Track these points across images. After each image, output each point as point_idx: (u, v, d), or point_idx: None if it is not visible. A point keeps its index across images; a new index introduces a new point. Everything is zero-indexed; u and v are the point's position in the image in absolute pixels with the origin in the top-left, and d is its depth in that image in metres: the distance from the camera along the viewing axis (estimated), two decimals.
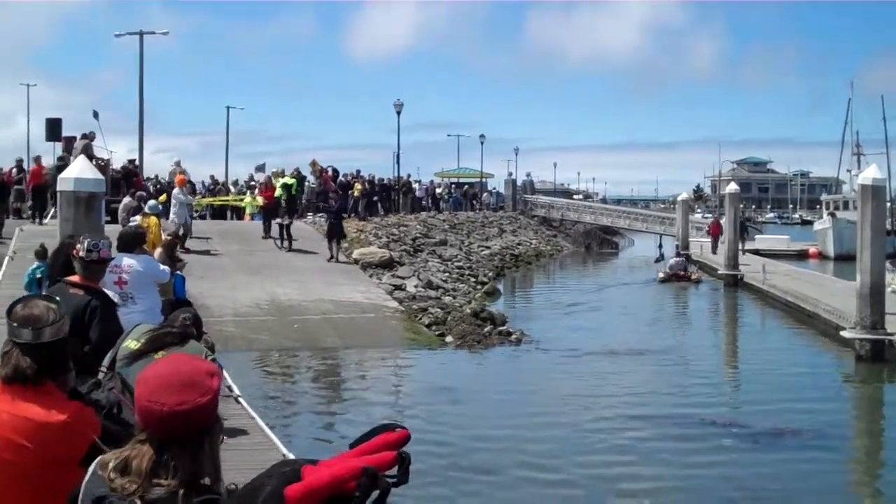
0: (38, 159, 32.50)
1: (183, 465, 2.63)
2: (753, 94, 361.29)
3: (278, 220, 30.98)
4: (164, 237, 15.16)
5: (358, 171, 45.93)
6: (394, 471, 2.44)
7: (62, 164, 31.29)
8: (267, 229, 31.84)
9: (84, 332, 7.20)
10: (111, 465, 2.69)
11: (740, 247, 44.75)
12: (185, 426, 2.63)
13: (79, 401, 3.78)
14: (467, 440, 14.43)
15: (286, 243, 30.37)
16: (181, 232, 25.22)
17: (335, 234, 29.73)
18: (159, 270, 10.35)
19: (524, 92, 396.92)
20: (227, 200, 42.73)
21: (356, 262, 29.60)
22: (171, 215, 26.85)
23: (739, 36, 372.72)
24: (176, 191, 28.41)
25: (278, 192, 38.88)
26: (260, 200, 33.59)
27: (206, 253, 27.50)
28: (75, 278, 7.52)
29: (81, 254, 7.33)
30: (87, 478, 2.76)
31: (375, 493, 2.40)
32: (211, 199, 42.77)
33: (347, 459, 2.48)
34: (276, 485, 2.44)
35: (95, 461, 2.79)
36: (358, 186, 42.26)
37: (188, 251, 25.23)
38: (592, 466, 13.17)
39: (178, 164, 40.29)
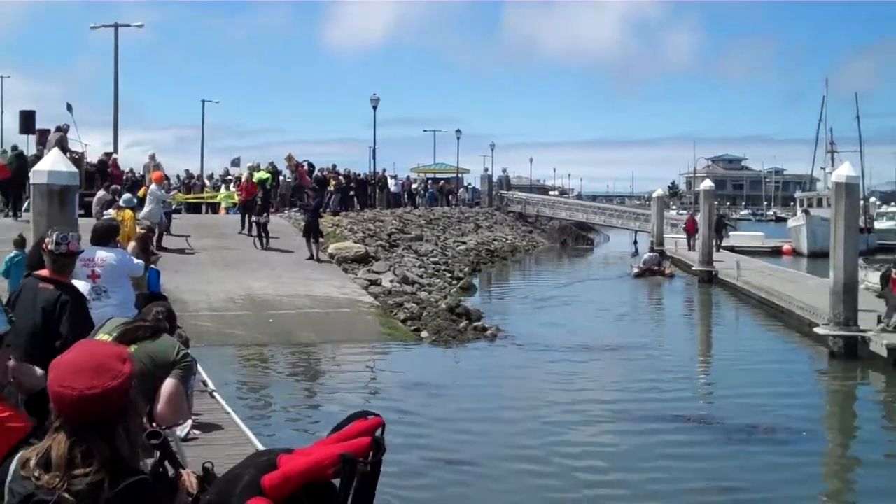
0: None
1: (100, 450, 2.63)
2: (729, 91, 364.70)
3: (255, 217, 30.59)
4: (137, 230, 15.04)
5: (334, 166, 45.79)
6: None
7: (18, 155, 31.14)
8: (244, 224, 31.61)
9: (55, 327, 7.17)
10: (33, 461, 2.67)
11: (717, 243, 45.09)
12: (96, 410, 2.63)
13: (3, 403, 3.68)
14: (442, 434, 14.43)
15: (263, 241, 29.98)
16: (156, 230, 25.17)
17: (312, 231, 29.35)
18: (133, 264, 10.31)
19: (501, 87, 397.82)
20: (203, 198, 42.45)
21: (332, 257, 29.55)
22: (145, 211, 25.58)
23: (716, 32, 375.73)
24: (153, 187, 27.68)
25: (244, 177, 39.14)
26: (236, 197, 33.44)
27: (183, 252, 27.30)
28: (45, 272, 7.47)
29: (50, 247, 7.29)
30: (9, 478, 2.72)
31: (356, 481, 2.40)
32: (186, 197, 42.46)
33: (324, 447, 2.48)
34: (253, 474, 2.44)
35: (15, 458, 2.76)
36: (332, 181, 42.14)
37: (165, 249, 25.19)
38: (566, 461, 13.17)
39: (152, 157, 40.01)
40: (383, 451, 2.46)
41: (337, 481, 2.46)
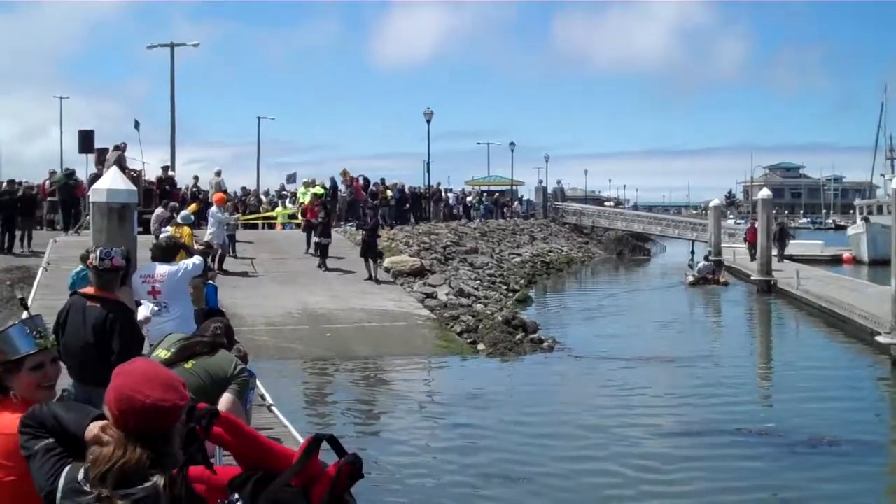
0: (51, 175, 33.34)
1: (159, 457, 2.71)
2: (784, 98, 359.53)
3: (317, 238, 30.09)
4: (196, 247, 15.19)
5: (382, 180, 45.87)
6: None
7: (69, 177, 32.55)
8: (309, 244, 31.27)
9: (107, 345, 7.25)
10: (81, 475, 2.73)
11: (780, 253, 44.61)
12: (158, 423, 2.71)
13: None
14: (498, 448, 14.35)
15: (322, 262, 29.18)
16: (219, 252, 25.27)
17: (370, 251, 28.44)
18: (192, 266, 10.36)
19: (553, 98, 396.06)
20: (258, 218, 42.19)
21: (387, 270, 29.55)
22: (207, 235, 25.19)
23: (767, 38, 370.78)
24: (214, 209, 27.01)
25: (309, 200, 39.18)
26: (300, 218, 33.31)
27: (246, 275, 26.97)
28: (90, 290, 7.54)
29: (94, 263, 7.36)
30: (59, 495, 2.77)
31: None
32: (245, 218, 42.22)
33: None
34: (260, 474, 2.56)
35: (63, 474, 2.79)
36: (381, 195, 42.24)
37: (226, 273, 25.33)
38: (625, 475, 13.05)
39: (218, 173, 40.29)
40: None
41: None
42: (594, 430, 15.53)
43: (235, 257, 28.36)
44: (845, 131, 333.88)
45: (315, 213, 30.78)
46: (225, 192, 36.45)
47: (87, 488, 2.68)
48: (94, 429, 2.83)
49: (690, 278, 41.51)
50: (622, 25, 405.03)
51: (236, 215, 29.06)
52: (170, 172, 37.25)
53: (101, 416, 2.81)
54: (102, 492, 2.66)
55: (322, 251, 29.43)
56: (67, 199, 32.72)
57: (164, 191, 32.78)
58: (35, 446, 2.95)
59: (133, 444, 2.69)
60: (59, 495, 2.76)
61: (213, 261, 23.17)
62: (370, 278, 27.81)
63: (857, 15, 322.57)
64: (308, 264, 29.07)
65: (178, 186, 36.03)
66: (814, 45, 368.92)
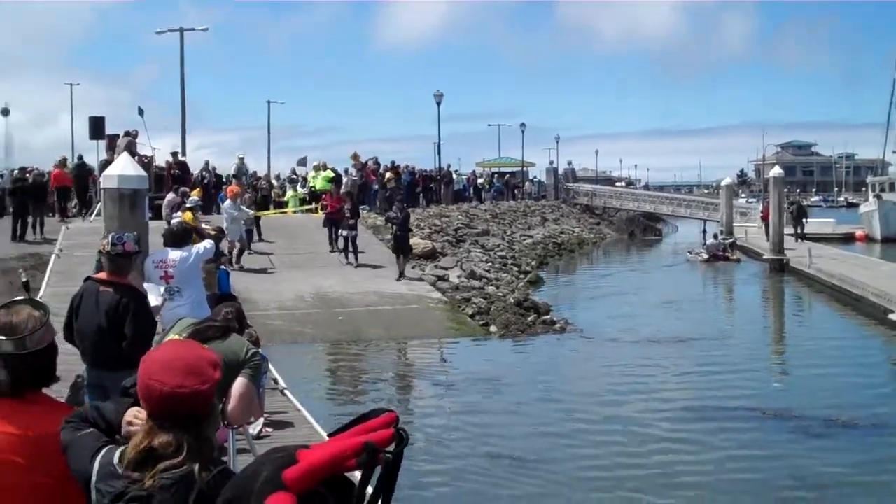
0: (61, 163, 33.38)
1: (189, 443, 2.70)
2: (793, 75, 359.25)
3: (343, 231, 27.93)
4: (208, 231, 15.20)
5: (393, 163, 45.70)
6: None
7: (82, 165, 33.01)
8: (332, 240, 29.15)
9: (119, 329, 7.29)
10: (116, 458, 2.74)
11: (798, 231, 44.52)
12: (181, 409, 2.70)
13: (73, 405, 3.67)
14: (512, 430, 14.39)
15: (352, 257, 27.55)
16: (238, 248, 24.95)
17: (401, 247, 26.81)
18: (204, 250, 10.38)
19: (563, 79, 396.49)
20: (271, 213, 40.75)
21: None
22: (224, 229, 24.29)
23: (773, 13, 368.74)
24: (227, 203, 26.06)
25: (321, 184, 38.89)
26: (321, 212, 31.45)
27: (264, 271, 25.86)
28: (103, 275, 7.57)
29: (107, 248, 7.39)
30: (94, 478, 2.78)
31: (379, 471, 2.40)
32: (259, 213, 40.40)
33: (345, 439, 2.47)
34: (271, 469, 2.44)
35: (97, 459, 2.81)
36: (389, 175, 41.90)
37: (243, 269, 24.90)
38: (641, 457, 13.06)
39: (241, 159, 40.00)
40: (406, 443, 2.46)
41: (355, 479, 2.46)
42: (606, 412, 15.54)
43: (251, 252, 27.03)
44: (857, 107, 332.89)
45: (336, 206, 28.97)
46: (241, 182, 36.37)
47: (120, 471, 2.71)
48: (128, 415, 2.86)
49: (704, 256, 42.35)
50: (627, 3, 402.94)
51: (251, 211, 27.59)
52: (181, 157, 37.16)
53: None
54: (133, 475, 2.68)
55: (350, 244, 27.66)
56: (81, 184, 33.20)
57: (174, 176, 32.77)
58: (73, 436, 2.98)
59: (160, 429, 2.70)
60: (94, 478, 2.78)
61: (228, 253, 23.09)
62: (400, 276, 26.26)
63: None
64: (320, 248, 28.92)
65: (191, 172, 35.94)
66: (821, 19, 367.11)
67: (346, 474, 2.44)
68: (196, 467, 2.66)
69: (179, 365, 2.73)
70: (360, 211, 31.15)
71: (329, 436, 2.56)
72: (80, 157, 36.34)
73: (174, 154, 36.26)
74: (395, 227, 27.22)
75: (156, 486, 2.65)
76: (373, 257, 28.19)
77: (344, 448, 2.41)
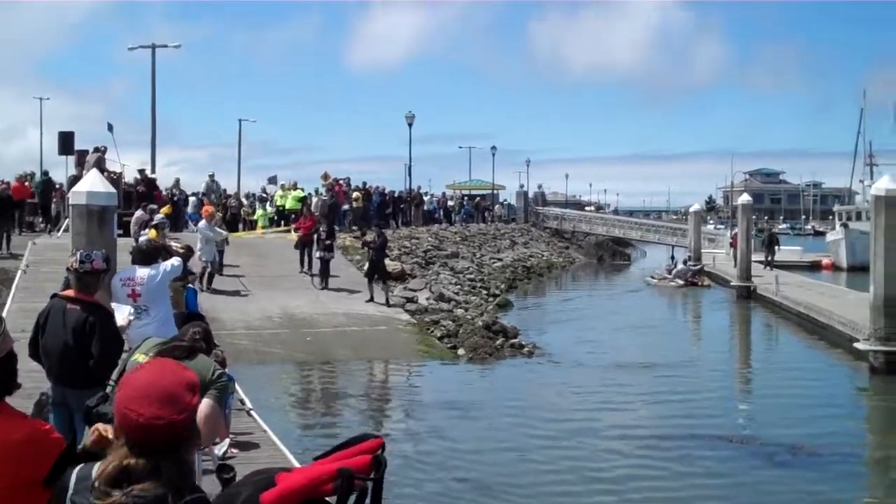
0: (23, 177, 33.51)
1: (167, 469, 2.67)
2: (762, 103, 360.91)
3: (319, 254, 27.38)
4: (175, 248, 15.11)
5: (364, 183, 45.79)
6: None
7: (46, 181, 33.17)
8: (303, 263, 28.77)
9: (86, 347, 7.24)
10: (94, 473, 2.71)
11: (769, 259, 44.79)
12: (159, 438, 2.66)
13: (37, 418, 3.67)
14: (475, 455, 14.35)
15: (324, 281, 27.10)
16: (209, 270, 24.70)
17: (378, 272, 26.45)
18: (171, 268, 10.29)
19: (534, 102, 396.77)
20: (247, 234, 39.95)
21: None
22: (198, 251, 22.60)
23: (742, 41, 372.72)
24: (202, 224, 25.62)
25: (291, 204, 38.83)
26: (294, 234, 30.30)
27: (237, 294, 25.36)
28: (70, 292, 7.52)
29: (75, 265, 7.34)
30: (70, 491, 2.76)
31: (354, 496, 2.40)
32: (233, 235, 39.57)
33: (323, 464, 2.48)
34: (250, 492, 2.44)
35: (74, 472, 2.80)
36: (356, 195, 41.96)
37: (215, 291, 24.72)
38: (602, 484, 13.07)
39: (212, 177, 39.94)
40: (383, 469, 2.46)
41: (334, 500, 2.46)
42: (572, 437, 15.52)
43: (222, 274, 26.45)
44: (824, 137, 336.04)
45: (308, 227, 28.76)
46: (213, 202, 36.23)
47: (97, 484, 2.68)
48: (94, 432, 2.82)
49: (656, 281, 44.01)
50: (594, 28, 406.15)
51: (225, 232, 27.31)
52: (149, 174, 36.93)
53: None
54: (109, 490, 2.65)
55: (323, 268, 27.25)
56: (45, 201, 33.33)
57: (141, 193, 32.57)
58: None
59: (136, 454, 2.67)
60: (70, 490, 2.76)
61: (200, 279, 22.96)
62: (371, 300, 25.88)
63: (833, 17, 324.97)
64: (289, 268, 28.81)
65: (159, 188, 35.76)
66: (790, 47, 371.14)
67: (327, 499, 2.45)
68: (170, 494, 2.63)
69: (156, 393, 2.68)
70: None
71: (314, 459, 2.57)
72: (46, 173, 36.26)
73: (141, 171, 35.89)
74: (371, 251, 26.80)
75: (127, 502, 2.62)
76: (343, 278, 28.11)
77: (320, 473, 2.42)
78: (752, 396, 20.51)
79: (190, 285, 13.82)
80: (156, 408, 2.65)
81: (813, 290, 34.92)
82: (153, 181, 35.65)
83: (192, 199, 38.67)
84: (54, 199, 36.08)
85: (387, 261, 29.76)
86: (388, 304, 25.97)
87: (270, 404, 16.18)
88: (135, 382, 2.76)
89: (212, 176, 39.75)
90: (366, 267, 28.29)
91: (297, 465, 9.40)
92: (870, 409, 19.24)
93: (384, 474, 2.44)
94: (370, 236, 27.90)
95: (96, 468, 2.74)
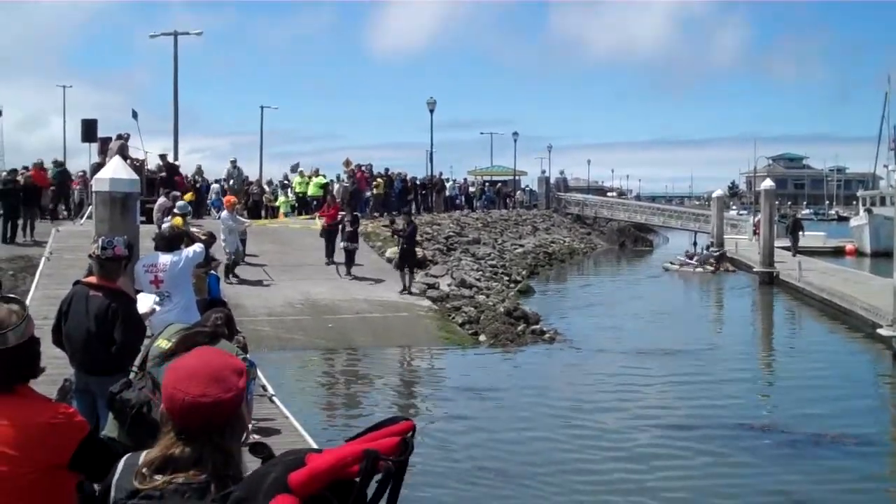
0: (37, 165, 33.61)
1: (211, 455, 2.69)
2: (784, 88, 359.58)
3: (343, 243, 27.14)
4: (198, 235, 15.15)
5: (387, 170, 45.79)
6: None
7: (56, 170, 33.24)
8: (330, 253, 28.16)
9: (109, 334, 7.27)
10: (142, 460, 2.74)
11: (794, 245, 44.57)
12: (204, 418, 2.68)
13: (61, 402, 3.73)
14: (496, 441, 14.38)
15: (349, 270, 26.93)
16: (233, 259, 24.56)
17: (407, 261, 26.19)
18: (194, 254, 10.31)
19: (556, 88, 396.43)
20: (269, 221, 38.24)
21: (389, 261, 29.36)
22: (221, 242, 22.51)
23: (765, 27, 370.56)
24: (224, 214, 25.27)
25: (313, 191, 38.85)
26: (319, 222, 29.66)
27: (260, 283, 25.13)
28: (93, 279, 7.55)
29: (97, 252, 7.36)
30: (116, 476, 2.79)
31: (380, 477, 2.43)
32: (254, 222, 38.96)
33: (352, 445, 2.51)
34: (280, 471, 2.47)
35: (123, 459, 2.83)
36: (377, 181, 41.99)
37: (240, 280, 24.68)
38: (625, 472, 13.06)
39: (233, 163, 39.62)
40: (410, 451, 2.49)
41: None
42: (593, 424, 15.51)
43: (245, 262, 26.18)
44: (847, 121, 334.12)
45: (333, 216, 28.43)
46: (234, 189, 36.27)
47: (143, 471, 2.71)
48: None
49: (673, 266, 44.24)
50: (616, 14, 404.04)
51: (248, 221, 26.98)
52: (171, 160, 36.94)
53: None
54: (152, 476, 2.68)
55: (348, 257, 27.02)
56: (62, 189, 33.73)
57: (163, 179, 32.66)
58: None
59: (182, 440, 2.69)
60: (116, 475, 2.79)
61: (226, 272, 23.02)
62: (405, 290, 25.68)
63: (855, 4, 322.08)
64: (311, 255, 28.78)
65: (181, 174, 35.77)
66: (812, 34, 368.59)
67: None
68: (214, 482, 2.67)
69: (204, 372, 2.70)
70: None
71: (346, 441, 2.59)
72: (61, 164, 36.48)
73: (163, 156, 35.73)
74: (402, 239, 26.46)
75: (169, 488, 2.66)
76: (366, 266, 28.09)
77: (346, 454, 2.44)
78: (774, 383, 20.43)
79: (213, 272, 13.87)
80: (203, 386, 2.67)
81: (836, 276, 34.75)
82: (175, 167, 35.61)
83: (214, 187, 38.68)
84: (77, 187, 36.27)
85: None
86: (410, 291, 25.77)
87: (292, 390, 16.26)
88: (183, 364, 2.78)
89: (234, 162, 39.56)
90: (387, 252, 28.34)
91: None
92: (893, 396, 19.15)
93: (409, 457, 2.47)
94: (400, 224, 27.59)
95: (143, 455, 2.77)
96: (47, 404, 3.56)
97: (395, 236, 27.78)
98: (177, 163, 38.17)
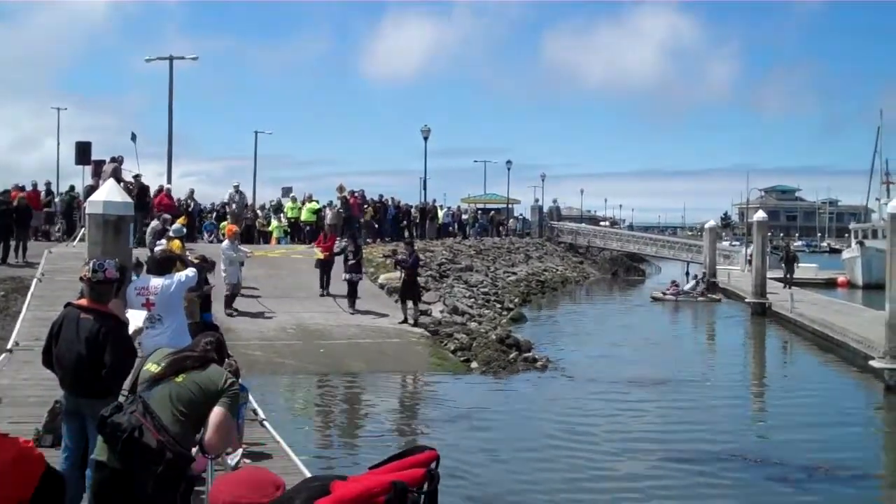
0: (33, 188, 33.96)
1: None
2: (776, 120, 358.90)
3: (347, 275, 26.00)
4: (192, 259, 15.12)
5: (381, 196, 45.86)
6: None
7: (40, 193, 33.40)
8: (324, 284, 27.37)
9: (99, 357, 7.24)
10: None
11: (788, 277, 44.58)
12: None
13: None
14: (487, 469, 14.31)
15: (351, 304, 26.01)
16: (233, 291, 23.99)
17: (410, 292, 25.53)
18: (186, 279, 10.30)
19: (549, 117, 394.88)
20: (268, 252, 38.58)
21: (382, 287, 29.35)
22: (222, 272, 22.44)
23: (756, 59, 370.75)
24: (225, 244, 24.57)
25: (305, 216, 38.80)
26: (318, 253, 27.93)
27: (261, 315, 24.37)
28: (84, 301, 7.52)
29: (88, 275, 7.34)
30: None
31: None
32: (255, 250, 37.65)
33: (377, 475, 2.50)
34: (304, 498, 2.46)
35: None
36: (367, 209, 41.98)
37: (237, 312, 24.02)
38: (615, 502, 13.02)
39: (237, 188, 38.75)
40: (437, 482, 2.47)
41: None
42: (583, 455, 15.40)
43: (242, 295, 25.08)
44: (839, 155, 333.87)
45: (330, 246, 27.48)
46: (235, 214, 36.11)
47: None
48: None
49: (662, 295, 44.42)
50: (609, 45, 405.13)
51: (248, 250, 26.27)
52: (143, 180, 34.81)
53: None
54: None
55: (351, 290, 26.00)
56: (68, 213, 34.21)
57: (143, 203, 30.46)
58: None
59: None
60: None
61: (226, 304, 22.96)
62: (405, 321, 25.09)
63: (846, 36, 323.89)
64: (303, 280, 28.65)
65: (149, 196, 34.78)
66: (806, 66, 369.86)
67: None
68: None
69: (247, 480, 2.94)
70: (340, 241, 28.50)
71: (369, 468, 2.59)
72: (72, 188, 37.30)
73: (136, 177, 32.39)
74: (402, 270, 25.71)
75: None
76: (362, 292, 27.47)
77: (374, 485, 2.44)
78: (766, 414, 20.40)
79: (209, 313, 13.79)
80: (244, 490, 2.85)
81: (828, 308, 34.81)
82: (146, 188, 33.49)
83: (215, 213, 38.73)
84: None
85: (399, 273, 27.85)
86: (416, 322, 25.10)
87: (283, 415, 16.18)
88: (231, 477, 3.10)
89: (236, 187, 38.57)
90: (380, 279, 28.14)
91: (308, 474, 9.40)
92: (885, 428, 19.12)
93: (437, 488, 2.46)
94: (401, 255, 26.85)
95: None
96: (8, 439, 3.42)
97: (398, 267, 26.76)
98: (147, 184, 37.15)
